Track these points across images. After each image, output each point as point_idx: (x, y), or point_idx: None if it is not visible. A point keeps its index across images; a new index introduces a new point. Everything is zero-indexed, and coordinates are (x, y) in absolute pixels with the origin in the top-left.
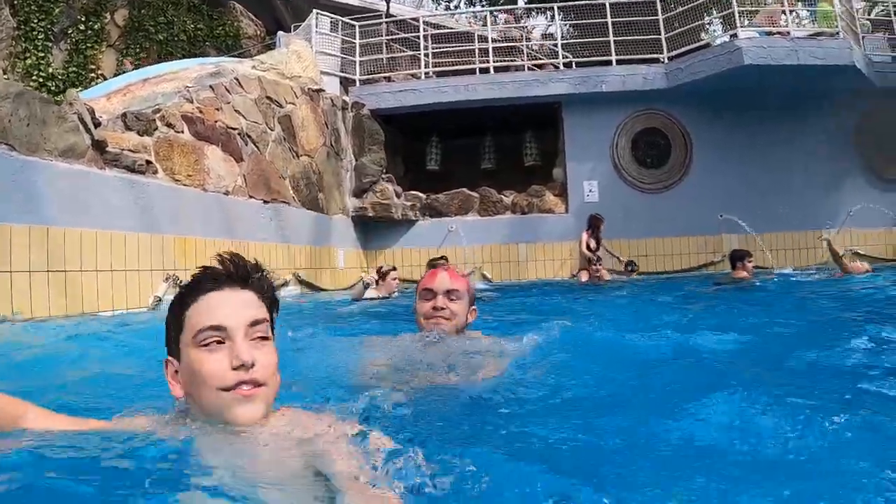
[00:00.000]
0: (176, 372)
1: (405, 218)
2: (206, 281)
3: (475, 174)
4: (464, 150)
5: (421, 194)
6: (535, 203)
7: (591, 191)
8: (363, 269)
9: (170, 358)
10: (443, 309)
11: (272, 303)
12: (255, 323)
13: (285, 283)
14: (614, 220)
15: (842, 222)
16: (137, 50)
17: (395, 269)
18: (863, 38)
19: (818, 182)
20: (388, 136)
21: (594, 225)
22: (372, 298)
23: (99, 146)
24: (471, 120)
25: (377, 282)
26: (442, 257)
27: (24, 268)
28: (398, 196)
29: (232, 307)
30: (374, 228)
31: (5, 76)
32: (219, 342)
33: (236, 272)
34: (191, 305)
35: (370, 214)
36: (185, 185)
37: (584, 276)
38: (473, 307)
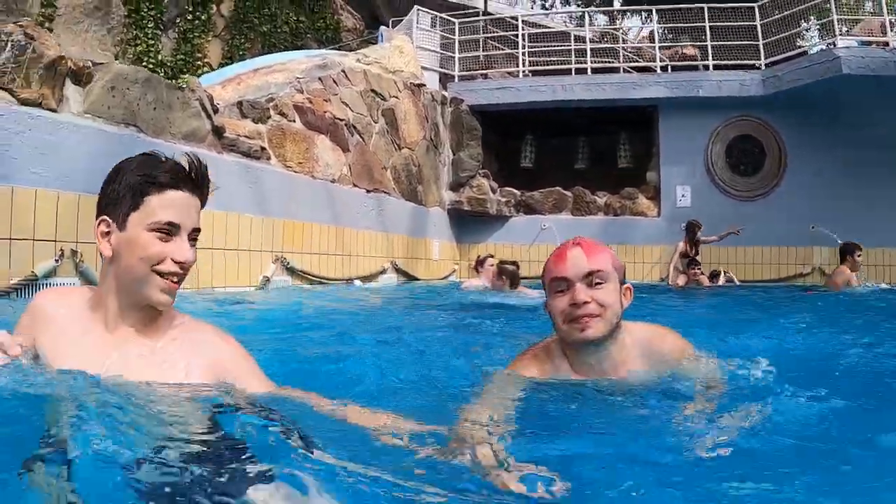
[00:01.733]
0: (108, 233)
1: (499, 213)
2: (172, 176)
3: (567, 174)
4: (557, 149)
5: (515, 191)
6: (627, 205)
7: (683, 195)
8: (455, 261)
9: (107, 219)
10: (586, 303)
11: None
12: (197, 230)
13: (383, 271)
14: (705, 226)
15: None
16: (242, 41)
17: (491, 255)
18: None
19: None
20: (483, 133)
21: (691, 231)
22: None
23: (218, 131)
24: (565, 120)
25: (476, 270)
26: (513, 262)
27: None
28: (493, 192)
29: (187, 210)
30: (468, 222)
31: (117, 61)
32: (168, 234)
33: (199, 180)
34: (154, 193)
35: (466, 208)
36: (295, 171)
37: (681, 280)
38: (627, 284)
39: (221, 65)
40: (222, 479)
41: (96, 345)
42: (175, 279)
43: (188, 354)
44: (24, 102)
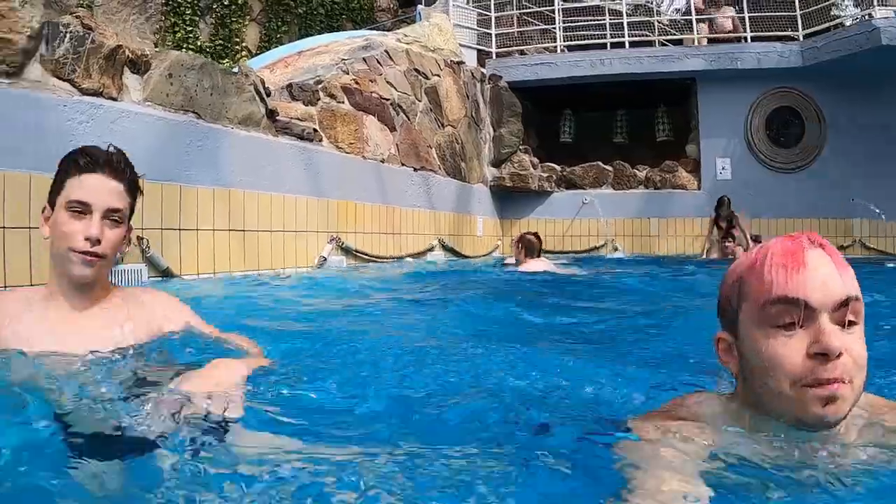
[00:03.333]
0: (48, 219)
1: (541, 189)
2: (88, 161)
3: (606, 148)
4: (595, 123)
5: (556, 166)
6: (667, 178)
7: (723, 168)
8: (498, 237)
9: (46, 204)
10: (839, 356)
11: (134, 196)
12: (113, 210)
13: (431, 248)
14: (744, 198)
15: None
16: (279, 23)
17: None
18: None
19: None
20: (522, 109)
21: (719, 206)
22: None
23: (271, 115)
24: (603, 94)
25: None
26: (534, 233)
27: (209, 226)
28: (535, 167)
29: (100, 191)
30: (510, 198)
31: (157, 49)
32: (82, 213)
33: (111, 163)
34: (73, 176)
35: (508, 184)
36: (346, 152)
37: (713, 254)
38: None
39: (260, 48)
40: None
41: (49, 323)
42: (90, 256)
43: (127, 316)
44: (85, 92)
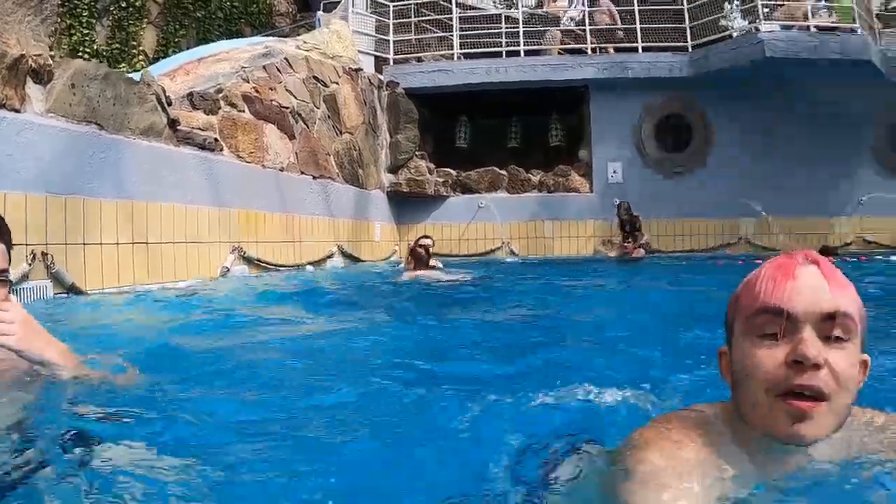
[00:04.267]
0: None
1: (437, 194)
2: None
3: (501, 153)
4: (490, 129)
5: (452, 171)
6: (561, 182)
7: (614, 172)
8: (395, 242)
9: None
10: (817, 368)
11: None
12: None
13: (331, 255)
14: (635, 200)
15: (852, 210)
16: (177, 27)
17: (426, 236)
18: (879, 33)
19: (832, 171)
20: (419, 115)
21: (618, 209)
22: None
23: (173, 125)
24: (498, 100)
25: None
26: (425, 236)
27: (112, 240)
28: (431, 173)
29: None
30: (407, 203)
31: (51, 52)
32: None
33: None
34: None
35: (405, 190)
36: (247, 161)
37: (612, 253)
38: (865, 355)
39: (157, 52)
40: None
41: None
42: None
43: None
44: None
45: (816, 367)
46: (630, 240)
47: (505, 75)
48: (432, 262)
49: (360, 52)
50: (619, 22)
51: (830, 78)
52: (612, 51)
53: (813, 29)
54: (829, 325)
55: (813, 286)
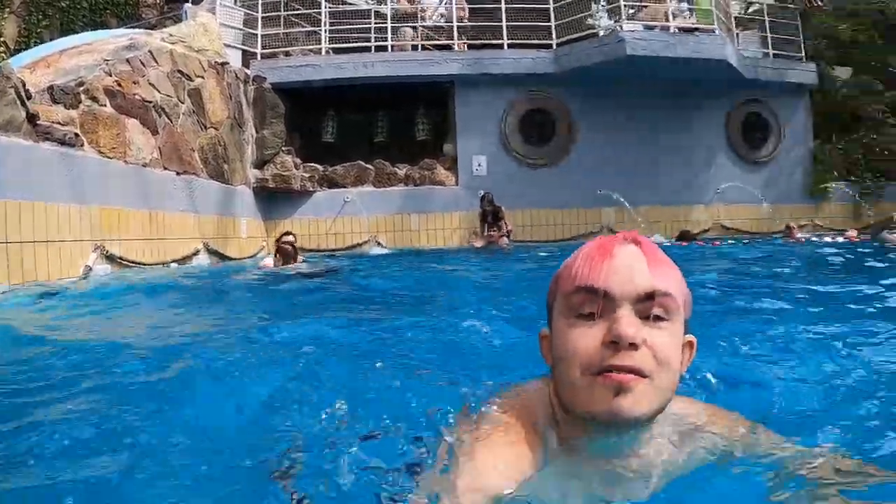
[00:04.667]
0: None
1: (303, 189)
2: None
3: (368, 148)
4: (357, 124)
5: (318, 166)
6: (426, 176)
7: (479, 165)
8: (263, 238)
9: None
10: (633, 346)
11: None
12: None
13: (196, 252)
14: (501, 192)
15: (710, 199)
16: (40, 17)
17: (288, 233)
18: (737, 34)
19: (692, 163)
20: (286, 110)
21: (482, 201)
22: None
23: (32, 119)
24: (365, 95)
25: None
26: (287, 233)
27: None
28: (297, 168)
29: None
30: (273, 199)
31: None
32: None
33: None
34: None
35: (271, 185)
36: (109, 157)
37: (478, 243)
38: (690, 336)
39: (18, 43)
40: None
41: None
42: None
43: None
44: None
45: (633, 346)
46: (494, 229)
47: (372, 70)
48: (300, 258)
49: (226, 45)
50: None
51: (689, 75)
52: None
53: (675, 29)
54: (648, 304)
55: (630, 265)
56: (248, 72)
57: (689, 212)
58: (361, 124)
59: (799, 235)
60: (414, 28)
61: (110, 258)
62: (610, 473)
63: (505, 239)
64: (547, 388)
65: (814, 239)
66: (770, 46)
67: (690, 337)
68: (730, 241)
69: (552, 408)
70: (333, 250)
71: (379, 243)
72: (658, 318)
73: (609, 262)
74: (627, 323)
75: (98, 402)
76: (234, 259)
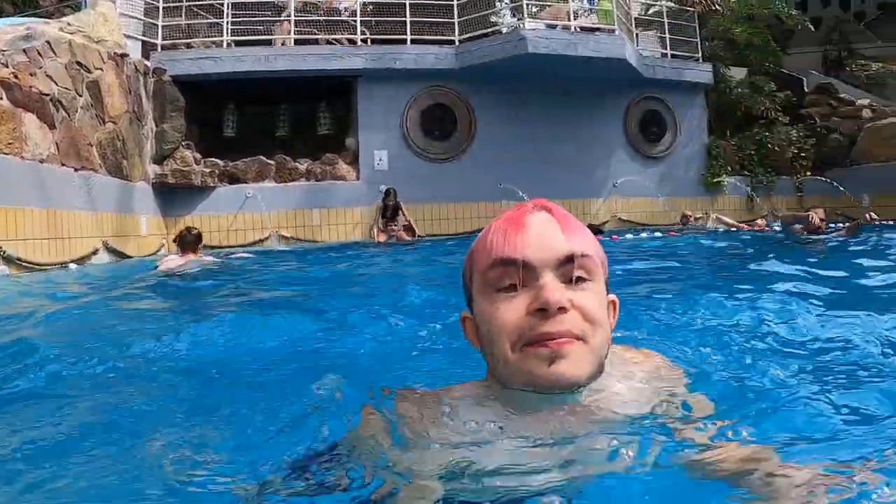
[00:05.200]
0: None
1: (204, 184)
2: None
3: (270, 142)
4: (259, 118)
5: (219, 161)
6: (328, 170)
7: (380, 160)
8: (163, 235)
9: None
10: (562, 310)
11: None
12: None
13: (96, 252)
14: (403, 187)
15: (608, 193)
16: None
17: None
18: (637, 35)
19: (590, 157)
20: (186, 103)
21: (386, 196)
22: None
23: None
24: (267, 89)
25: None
26: (188, 229)
27: None
28: (197, 163)
29: None
30: (173, 195)
31: None
32: None
33: None
34: None
35: (170, 181)
36: (4, 153)
37: (381, 237)
38: (612, 295)
39: None
40: None
41: None
42: None
43: None
44: None
45: (562, 310)
46: (393, 224)
47: (274, 64)
48: (201, 254)
49: (126, 36)
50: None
51: (590, 74)
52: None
53: (576, 29)
54: (569, 267)
55: (544, 232)
56: (148, 64)
57: (587, 205)
58: (263, 118)
59: (709, 225)
60: (314, 22)
61: (7, 259)
62: (558, 432)
63: (403, 233)
64: (481, 381)
65: (720, 228)
66: (668, 47)
67: (612, 296)
68: (630, 235)
69: (491, 385)
70: (234, 247)
71: (281, 239)
72: (580, 280)
73: (523, 231)
74: (552, 288)
75: None
76: (134, 258)
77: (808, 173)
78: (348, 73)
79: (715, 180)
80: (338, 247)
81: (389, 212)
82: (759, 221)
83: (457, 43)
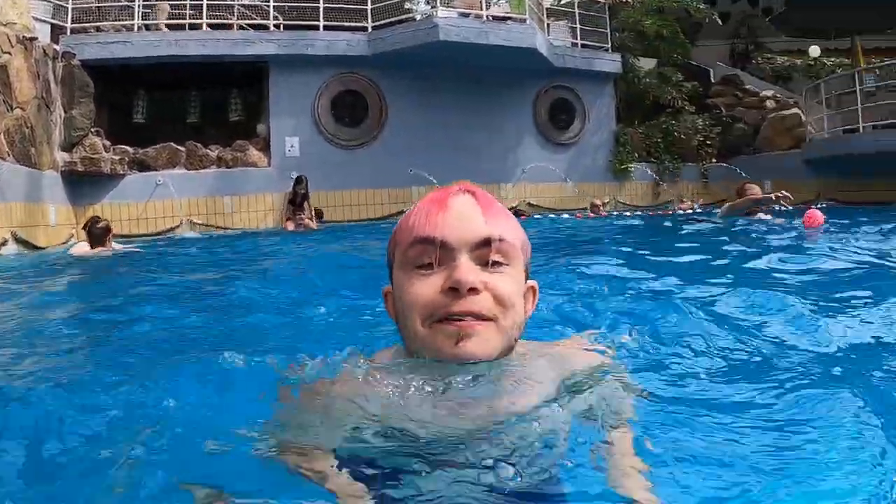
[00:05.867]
0: None
1: (114, 172)
2: None
3: (181, 128)
4: (170, 104)
5: (129, 148)
6: (239, 157)
7: (292, 146)
8: (72, 224)
9: None
10: (474, 291)
11: None
12: None
13: (4, 243)
14: (314, 173)
15: (517, 178)
16: None
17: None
18: (548, 24)
19: (500, 144)
20: (96, 88)
21: (297, 183)
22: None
23: None
24: (178, 74)
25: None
26: (97, 218)
27: None
28: (107, 150)
29: None
30: (83, 183)
31: None
32: None
33: None
34: None
35: (80, 169)
36: None
37: (290, 226)
38: (532, 282)
39: None
40: None
41: None
42: None
43: None
44: None
45: (474, 290)
46: (301, 212)
47: (186, 49)
48: (114, 244)
49: (35, 19)
50: None
51: (501, 62)
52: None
53: (489, 17)
54: (485, 251)
55: (465, 214)
56: (57, 48)
57: (496, 190)
58: (174, 104)
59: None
60: (228, 7)
61: None
62: (467, 404)
63: (312, 222)
64: (396, 347)
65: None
66: (579, 37)
67: (532, 282)
68: (538, 216)
69: (403, 356)
70: (145, 235)
71: (192, 226)
72: (497, 264)
73: (444, 212)
74: (466, 269)
75: None
76: (44, 248)
77: (713, 160)
78: (260, 58)
79: (622, 167)
80: (250, 234)
81: (299, 199)
82: (685, 203)
83: (369, 30)
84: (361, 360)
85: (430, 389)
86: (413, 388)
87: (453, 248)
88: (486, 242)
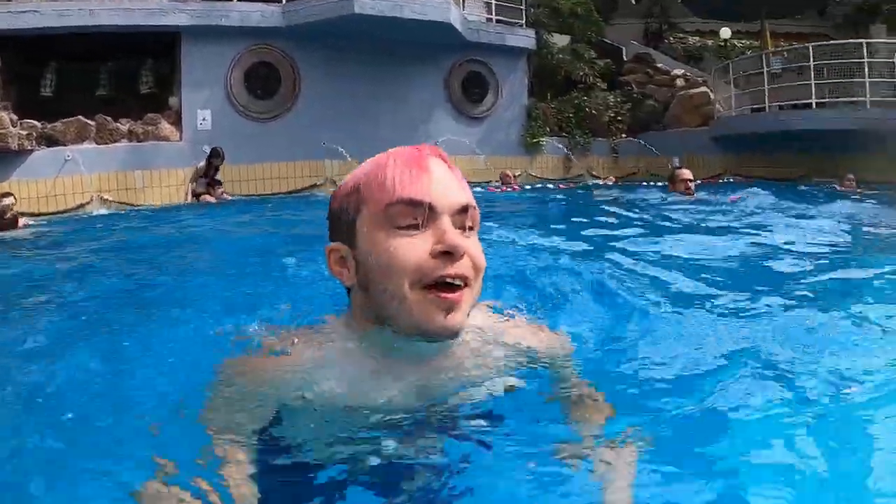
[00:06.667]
0: None
1: (21, 148)
2: None
3: (91, 101)
4: (80, 76)
5: (37, 123)
6: (150, 131)
7: (203, 119)
8: None
9: None
10: (461, 258)
11: None
12: None
13: None
14: (226, 146)
15: None
16: None
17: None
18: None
19: (415, 116)
20: (2, 61)
21: (214, 156)
22: None
23: None
24: (88, 45)
25: None
26: (6, 193)
27: None
28: (14, 125)
29: None
30: None
31: None
32: None
33: None
34: None
35: None
36: None
37: (208, 198)
38: None
39: None
40: None
41: None
42: None
43: None
44: None
45: (462, 256)
46: (219, 185)
47: (96, 19)
48: (22, 221)
49: None
50: None
51: (415, 36)
52: None
53: None
54: (463, 216)
55: (445, 180)
56: None
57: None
58: (85, 76)
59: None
60: None
61: None
62: (424, 376)
63: (226, 195)
64: (343, 315)
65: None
66: (494, 12)
67: None
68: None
69: (353, 325)
70: (54, 213)
71: (102, 203)
72: (470, 229)
73: (429, 175)
74: (455, 233)
75: None
76: None
77: (624, 136)
78: (172, 29)
79: (534, 140)
80: (165, 209)
81: (212, 171)
82: (611, 178)
83: (284, 1)
84: (314, 333)
85: (396, 371)
86: (379, 369)
87: (438, 212)
88: (465, 209)
